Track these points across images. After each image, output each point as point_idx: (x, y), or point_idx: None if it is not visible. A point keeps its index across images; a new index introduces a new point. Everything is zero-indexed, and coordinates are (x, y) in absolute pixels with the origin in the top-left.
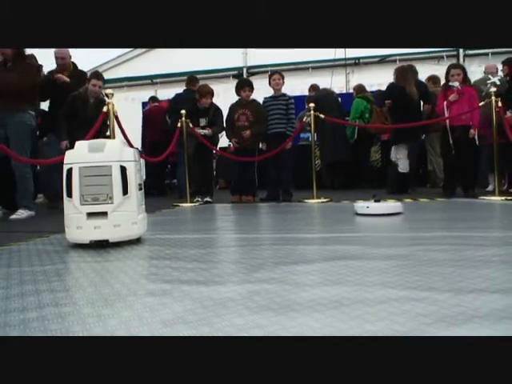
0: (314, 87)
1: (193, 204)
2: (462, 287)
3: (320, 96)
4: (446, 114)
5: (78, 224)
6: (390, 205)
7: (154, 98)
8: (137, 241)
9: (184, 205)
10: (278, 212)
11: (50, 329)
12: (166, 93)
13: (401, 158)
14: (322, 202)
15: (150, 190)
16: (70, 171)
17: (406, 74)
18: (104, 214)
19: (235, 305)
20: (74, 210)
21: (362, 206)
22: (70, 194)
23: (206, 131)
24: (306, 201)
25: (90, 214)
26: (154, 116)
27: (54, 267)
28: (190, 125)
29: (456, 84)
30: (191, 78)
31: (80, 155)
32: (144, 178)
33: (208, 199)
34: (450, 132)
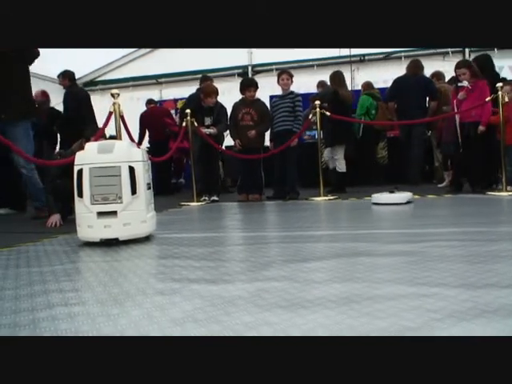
0: (321, 83)
1: (200, 203)
2: (472, 282)
3: (325, 93)
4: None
5: (88, 223)
6: (394, 196)
7: (151, 101)
8: (145, 240)
9: (191, 204)
10: (284, 210)
11: (60, 328)
12: (171, 92)
13: (338, 159)
14: (329, 200)
15: (155, 189)
16: (80, 172)
17: (338, 78)
18: (114, 213)
19: (244, 303)
20: (84, 210)
21: (374, 196)
22: (80, 194)
23: (212, 130)
24: (313, 198)
25: (101, 214)
26: (154, 117)
27: (63, 267)
28: (195, 124)
29: (465, 83)
30: (204, 77)
31: (90, 156)
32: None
33: (215, 198)
34: (460, 129)
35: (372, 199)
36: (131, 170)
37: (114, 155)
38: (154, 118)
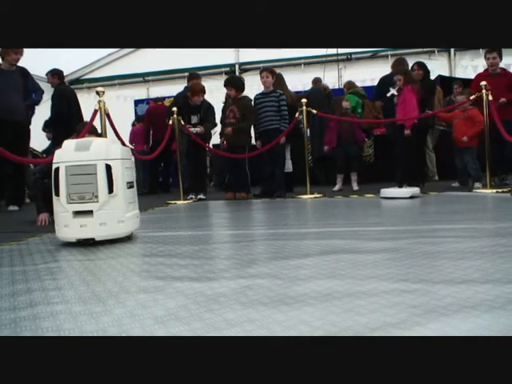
0: (315, 80)
1: (186, 201)
2: (453, 278)
3: (311, 92)
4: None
5: (65, 222)
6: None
7: (157, 99)
8: (129, 238)
9: (178, 202)
10: (270, 208)
11: (41, 327)
12: (159, 90)
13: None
14: (315, 198)
15: (143, 188)
16: (57, 170)
17: (279, 80)
18: (90, 212)
19: (227, 300)
20: (61, 209)
21: (382, 190)
22: (57, 193)
23: (198, 129)
24: (300, 196)
25: (77, 213)
26: (158, 115)
27: (46, 266)
28: (182, 122)
29: (392, 91)
30: (191, 75)
31: (67, 154)
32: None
33: (201, 196)
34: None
35: (380, 193)
36: (108, 168)
37: (91, 153)
38: (158, 116)
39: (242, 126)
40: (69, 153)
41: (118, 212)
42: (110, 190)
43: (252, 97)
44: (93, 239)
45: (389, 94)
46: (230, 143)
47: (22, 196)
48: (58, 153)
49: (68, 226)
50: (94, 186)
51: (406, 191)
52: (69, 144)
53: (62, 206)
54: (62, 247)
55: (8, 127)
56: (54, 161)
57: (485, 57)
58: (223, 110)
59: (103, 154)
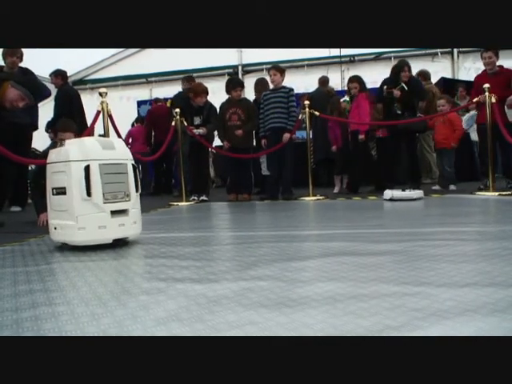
0: (322, 80)
1: (189, 203)
2: (455, 282)
3: (314, 93)
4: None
5: (100, 223)
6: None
7: (157, 99)
8: (132, 239)
9: (180, 203)
10: (273, 210)
11: (43, 328)
12: (162, 91)
13: (263, 162)
14: (318, 200)
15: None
16: (87, 168)
17: (264, 84)
18: (125, 211)
19: (229, 302)
20: (94, 210)
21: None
22: (89, 193)
23: (201, 130)
24: (302, 198)
25: (113, 212)
26: (158, 115)
27: (48, 267)
28: (185, 123)
29: (346, 97)
30: (188, 77)
31: (95, 152)
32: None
33: (204, 198)
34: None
35: (384, 196)
36: (134, 167)
37: (118, 152)
38: (160, 117)
39: (249, 128)
40: (97, 150)
41: (139, 211)
42: (137, 189)
43: (252, 98)
44: (127, 238)
45: (342, 100)
46: (236, 145)
47: (25, 197)
48: (79, 149)
49: (105, 227)
50: (125, 184)
51: (389, 193)
52: (91, 141)
53: (95, 207)
54: (65, 248)
55: (8, 129)
56: (75, 158)
57: (481, 57)
58: (220, 113)
59: (127, 153)
